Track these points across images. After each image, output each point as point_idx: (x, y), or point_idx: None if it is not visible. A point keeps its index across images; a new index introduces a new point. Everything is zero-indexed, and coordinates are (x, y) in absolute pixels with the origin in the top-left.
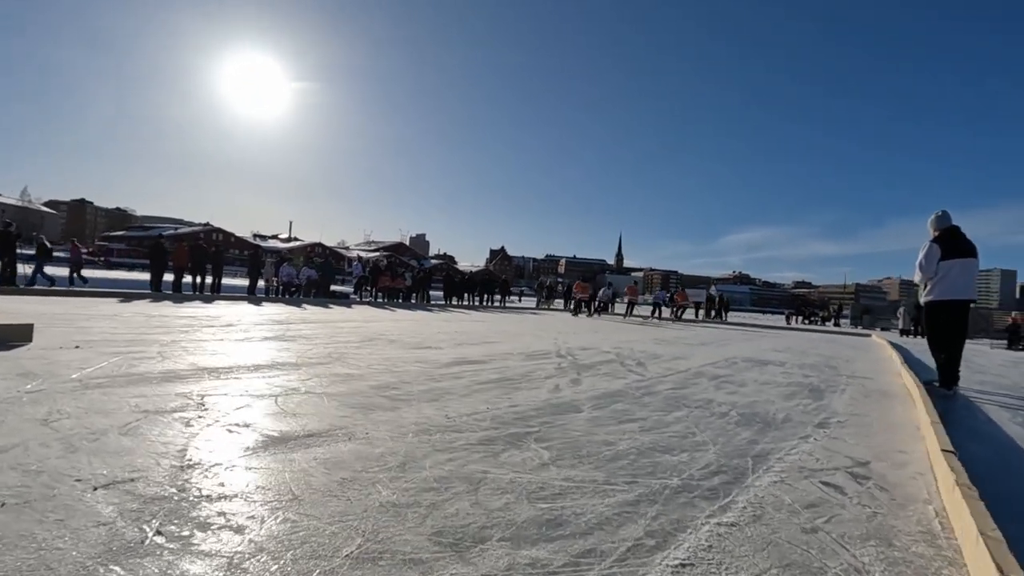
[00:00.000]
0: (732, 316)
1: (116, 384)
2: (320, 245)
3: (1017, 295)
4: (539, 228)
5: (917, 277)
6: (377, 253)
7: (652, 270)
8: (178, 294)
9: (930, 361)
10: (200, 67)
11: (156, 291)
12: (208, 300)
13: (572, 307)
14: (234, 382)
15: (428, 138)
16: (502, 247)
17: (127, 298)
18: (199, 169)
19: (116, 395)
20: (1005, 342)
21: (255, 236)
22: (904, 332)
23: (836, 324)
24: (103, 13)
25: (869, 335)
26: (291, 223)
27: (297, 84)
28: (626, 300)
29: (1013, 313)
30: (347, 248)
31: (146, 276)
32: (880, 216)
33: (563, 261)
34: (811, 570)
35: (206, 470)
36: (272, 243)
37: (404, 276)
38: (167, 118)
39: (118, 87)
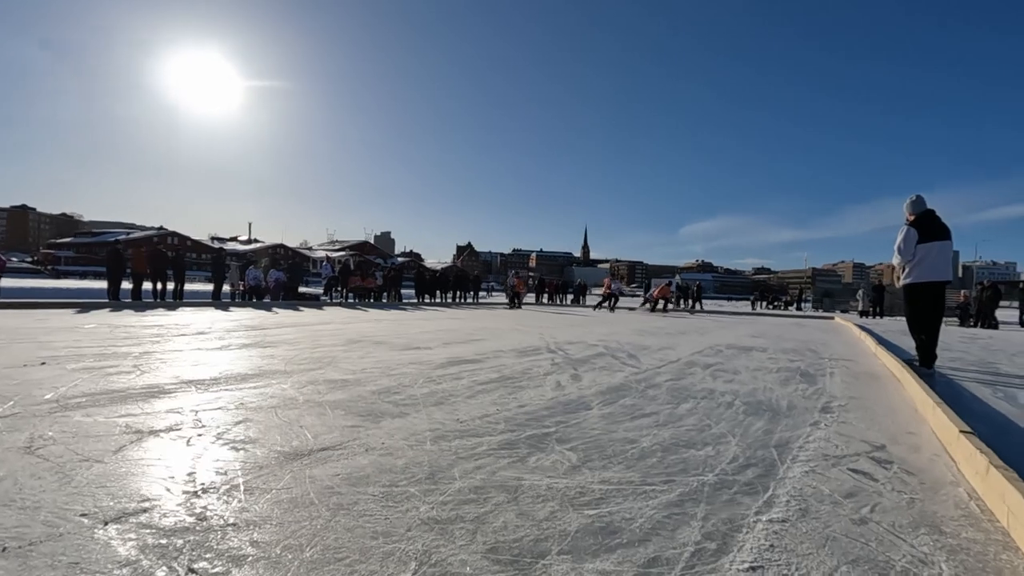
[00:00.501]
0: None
1: (98, 403)
2: (282, 246)
3: (960, 274)
4: (505, 223)
5: (896, 260)
6: (342, 253)
7: (618, 261)
8: (138, 302)
9: (901, 341)
10: (147, 64)
11: (114, 300)
12: (172, 307)
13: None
14: (225, 394)
15: (391, 136)
16: (469, 243)
17: (84, 308)
18: (150, 171)
19: (101, 415)
20: (956, 319)
21: (213, 239)
22: (863, 313)
23: (799, 308)
24: (41, 8)
25: (832, 318)
26: (250, 224)
27: (253, 82)
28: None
29: (963, 291)
30: (310, 248)
31: (99, 284)
32: (833, 203)
33: (533, 255)
34: (878, 565)
35: (223, 494)
36: (231, 246)
37: (375, 275)
38: (114, 118)
39: (59, 86)
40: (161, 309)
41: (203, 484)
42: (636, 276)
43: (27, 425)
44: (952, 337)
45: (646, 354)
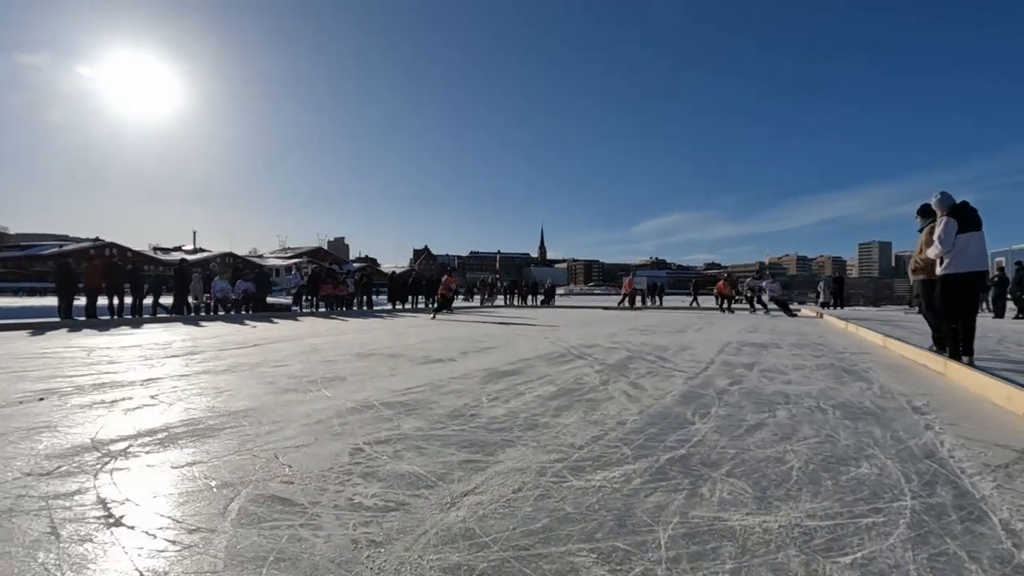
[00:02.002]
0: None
1: (156, 448)
2: (231, 255)
3: (892, 263)
4: (462, 225)
5: (936, 251)
6: (296, 259)
7: (575, 261)
8: (97, 320)
9: (880, 329)
10: (73, 67)
11: (67, 318)
12: (136, 324)
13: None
14: (292, 429)
15: (340, 140)
16: (425, 246)
17: (38, 330)
18: (82, 179)
19: (184, 469)
20: (917, 308)
21: (155, 249)
22: (824, 304)
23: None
24: None
25: (799, 309)
26: (195, 233)
27: (193, 85)
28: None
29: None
30: (261, 256)
31: (40, 302)
32: (776, 198)
33: (498, 256)
34: None
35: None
36: (175, 255)
37: (346, 283)
38: (39, 122)
39: None
40: (126, 327)
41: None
42: (592, 275)
43: (112, 491)
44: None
45: (673, 355)
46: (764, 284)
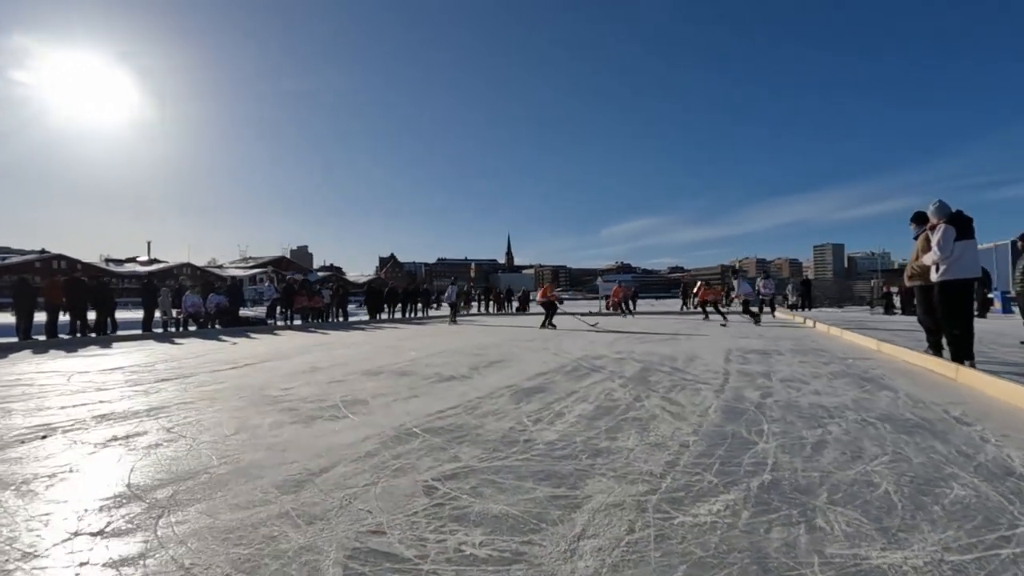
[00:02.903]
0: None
1: (223, 488)
2: (189, 266)
3: (845, 264)
4: (429, 232)
5: (934, 257)
6: (258, 269)
7: (542, 266)
8: (62, 339)
9: (864, 332)
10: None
11: (27, 338)
12: (105, 344)
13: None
14: (355, 471)
15: (304, 145)
16: (392, 254)
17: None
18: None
19: (279, 518)
20: (882, 308)
21: (107, 261)
22: (792, 307)
23: (728, 304)
24: None
25: (766, 312)
26: (149, 244)
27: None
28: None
29: (878, 281)
30: (220, 267)
31: None
32: (737, 202)
33: (473, 265)
34: None
35: None
36: (129, 267)
37: (321, 294)
38: None
39: None
40: (95, 347)
41: None
42: (560, 280)
43: (183, 553)
44: (896, 325)
45: (685, 365)
46: (755, 285)
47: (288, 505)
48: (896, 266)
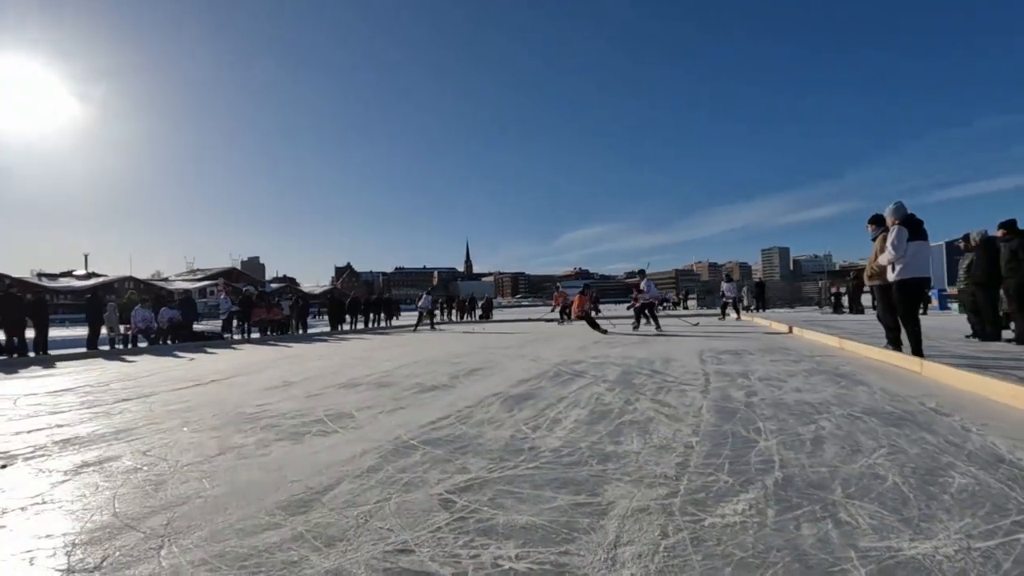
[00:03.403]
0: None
1: (223, 512)
2: (131, 279)
3: (791, 267)
4: (386, 241)
5: (889, 257)
6: (208, 282)
7: (501, 274)
8: None
9: (830, 328)
10: None
11: None
12: (47, 364)
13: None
14: (372, 497)
15: (252, 152)
16: (348, 264)
17: None
18: None
19: (300, 543)
20: (830, 308)
21: (39, 276)
22: (747, 308)
23: (686, 307)
24: None
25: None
26: (87, 256)
27: (82, 100)
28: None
29: (825, 282)
30: (166, 280)
31: None
32: (688, 207)
33: (436, 273)
34: None
35: None
36: (64, 282)
37: (280, 305)
38: None
39: None
40: (36, 367)
41: None
42: (519, 287)
43: None
44: (843, 322)
45: (663, 367)
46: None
47: (300, 527)
48: (838, 267)
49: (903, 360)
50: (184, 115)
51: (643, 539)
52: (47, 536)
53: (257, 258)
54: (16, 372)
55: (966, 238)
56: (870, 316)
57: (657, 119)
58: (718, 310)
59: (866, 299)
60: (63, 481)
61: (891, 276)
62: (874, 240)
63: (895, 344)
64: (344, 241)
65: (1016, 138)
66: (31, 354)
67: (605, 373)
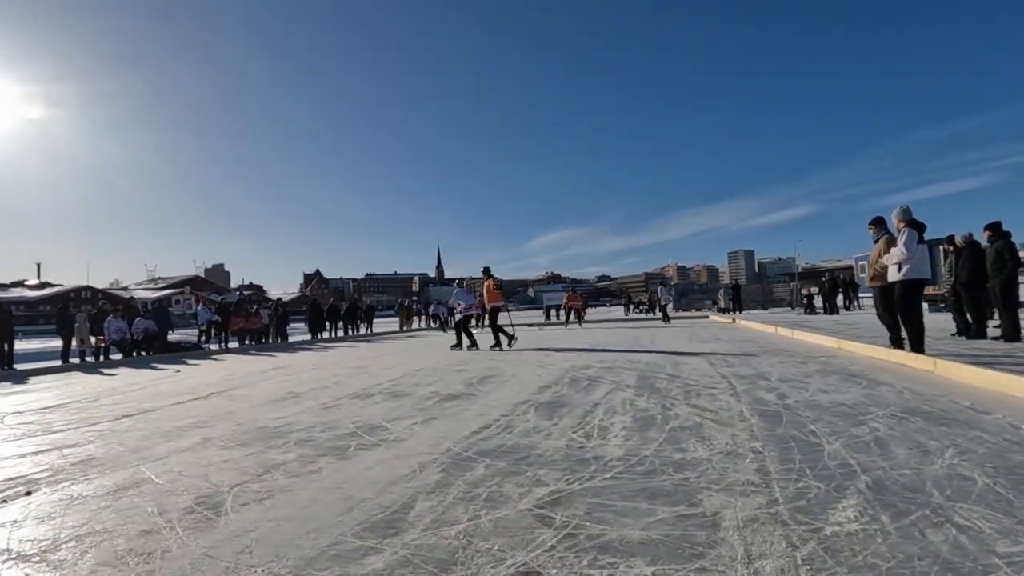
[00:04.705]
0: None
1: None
2: (88, 288)
3: (756, 269)
4: (354, 247)
5: (899, 257)
6: (171, 290)
7: (473, 279)
8: None
9: (819, 328)
10: None
11: None
12: (19, 379)
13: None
14: (449, 499)
15: (215, 155)
16: (317, 270)
17: None
18: None
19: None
20: (803, 308)
21: None
22: (723, 310)
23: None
24: None
25: (707, 316)
26: (39, 265)
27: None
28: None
29: (796, 284)
30: (125, 289)
31: None
32: (659, 210)
33: (416, 279)
34: None
35: None
36: (16, 292)
37: (259, 314)
38: None
39: None
40: (6, 383)
41: None
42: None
43: None
44: (825, 323)
45: (677, 370)
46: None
47: (401, 550)
48: (800, 270)
49: (911, 359)
50: (144, 118)
51: (775, 551)
52: (116, 570)
53: (222, 265)
54: None
55: (951, 239)
56: (845, 317)
57: (625, 123)
58: (659, 313)
59: (867, 300)
60: (104, 507)
61: (896, 276)
62: (876, 242)
63: (897, 343)
64: (312, 247)
65: (984, 140)
66: None
67: (622, 378)
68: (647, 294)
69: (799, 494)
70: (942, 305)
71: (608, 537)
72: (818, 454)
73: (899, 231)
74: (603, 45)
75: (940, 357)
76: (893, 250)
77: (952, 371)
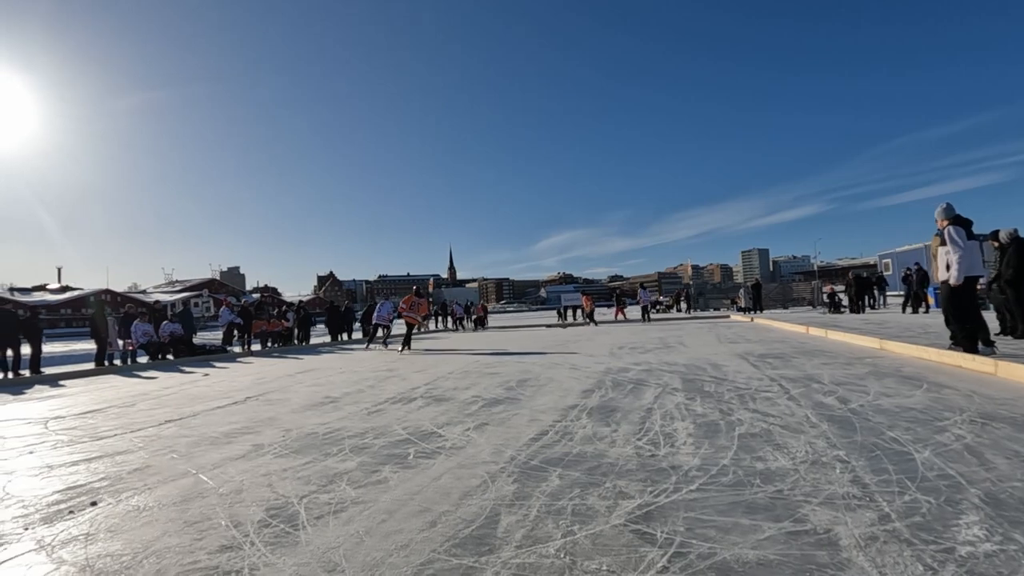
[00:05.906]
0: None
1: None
2: (108, 291)
3: (771, 268)
4: (368, 249)
5: (957, 254)
6: (188, 293)
7: (485, 280)
8: (3, 381)
9: (851, 327)
10: None
11: None
12: (51, 382)
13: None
14: (544, 512)
15: (231, 160)
16: (330, 272)
17: None
18: None
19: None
20: (826, 308)
21: (11, 290)
22: (743, 310)
23: (679, 310)
24: None
25: (727, 316)
26: (60, 269)
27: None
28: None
29: (819, 282)
30: (144, 292)
31: None
32: (664, 211)
33: (431, 280)
34: None
35: None
36: (38, 296)
37: (285, 316)
38: None
39: None
40: (41, 386)
41: None
42: (504, 293)
43: None
44: (855, 322)
45: (719, 372)
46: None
47: (502, 569)
48: (816, 268)
49: (966, 360)
50: (161, 124)
51: (911, 573)
52: None
53: (237, 268)
54: (23, 393)
55: (995, 235)
56: (872, 316)
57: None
58: (642, 314)
59: (892, 299)
60: (174, 519)
61: (954, 275)
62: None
63: (965, 345)
64: (325, 250)
65: (1007, 134)
66: (24, 372)
67: (666, 381)
68: (661, 295)
69: (909, 509)
70: (983, 300)
71: (721, 556)
72: (910, 464)
73: (942, 230)
74: (608, 53)
75: (1000, 359)
76: (949, 256)
77: (1018, 373)
